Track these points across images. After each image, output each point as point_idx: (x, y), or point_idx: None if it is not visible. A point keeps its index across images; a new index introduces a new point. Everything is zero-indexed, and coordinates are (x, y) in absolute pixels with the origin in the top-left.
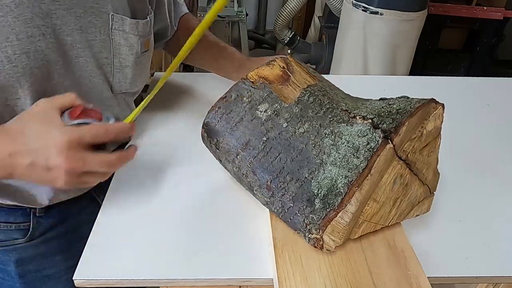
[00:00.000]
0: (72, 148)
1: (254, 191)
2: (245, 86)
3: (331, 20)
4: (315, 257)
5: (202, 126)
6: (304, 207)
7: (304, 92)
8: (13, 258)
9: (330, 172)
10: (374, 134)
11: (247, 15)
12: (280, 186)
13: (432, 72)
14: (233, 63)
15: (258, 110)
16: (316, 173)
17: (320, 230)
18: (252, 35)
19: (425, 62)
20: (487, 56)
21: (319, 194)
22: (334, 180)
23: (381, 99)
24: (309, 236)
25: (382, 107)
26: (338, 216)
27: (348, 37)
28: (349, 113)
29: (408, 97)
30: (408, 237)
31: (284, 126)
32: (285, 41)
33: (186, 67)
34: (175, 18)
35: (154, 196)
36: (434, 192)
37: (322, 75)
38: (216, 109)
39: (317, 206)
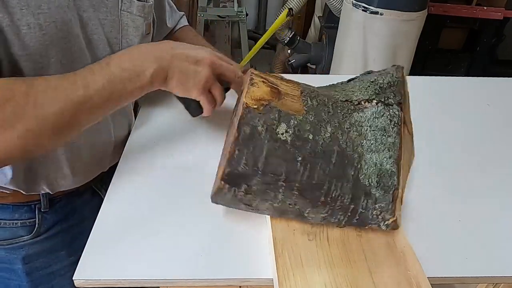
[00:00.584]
0: (212, 70)
1: (306, 214)
2: (252, 115)
3: (331, 20)
4: (315, 257)
5: (222, 180)
6: (366, 202)
7: (304, 98)
8: (20, 256)
9: (371, 160)
10: (392, 110)
11: (247, 15)
12: (335, 195)
13: (432, 72)
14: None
15: (278, 134)
16: (359, 167)
17: (394, 212)
18: (252, 35)
19: (425, 62)
20: (487, 56)
21: (372, 183)
22: (379, 165)
23: (349, 80)
24: (386, 223)
25: (370, 86)
26: (399, 193)
27: (348, 37)
28: (351, 101)
29: (372, 71)
30: (408, 237)
31: (311, 138)
32: (285, 41)
33: None
34: (168, 21)
35: (154, 197)
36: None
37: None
38: (236, 153)
39: (377, 195)
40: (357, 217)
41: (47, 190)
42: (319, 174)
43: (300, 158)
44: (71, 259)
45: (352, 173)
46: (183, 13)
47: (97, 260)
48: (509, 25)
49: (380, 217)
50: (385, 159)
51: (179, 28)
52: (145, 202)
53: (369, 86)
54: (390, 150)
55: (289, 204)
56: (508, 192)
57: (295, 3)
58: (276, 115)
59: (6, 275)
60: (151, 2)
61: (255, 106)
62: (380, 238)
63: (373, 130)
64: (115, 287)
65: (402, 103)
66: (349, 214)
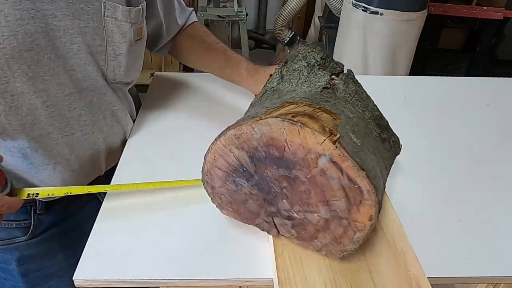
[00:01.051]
0: None
1: None
2: (346, 144)
3: (331, 20)
4: (315, 257)
5: None
6: (383, 148)
7: (319, 106)
8: (15, 257)
9: (369, 118)
10: (347, 75)
11: (247, 15)
12: (384, 158)
13: (432, 72)
14: (239, 71)
15: (357, 144)
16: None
17: None
18: (252, 35)
19: (425, 62)
20: (487, 56)
21: (379, 132)
22: (373, 117)
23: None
24: None
25: (312, 70)
26: None
27: (348, 37)
28: (325, 88)
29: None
30: (408, 237)
31: (363, 129)
32: (285, 41)
33: (186, 67)
34: (178, 19)
35: (154, 197)
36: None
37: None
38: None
39: (387, 137)
40: (391, 161)
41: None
42: (374, 151)
43: (370, 150)
44: (69, 261)
45: (374, 135)
46: (192, 9)
47: (97, 260)
48: (509, 25)
49: (396, 148)
50: (372, 110)
51: (190, 24)
52: (145, 202)
53: (312, 71)
54: (370, 101)
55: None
56: (508, 192)
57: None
58: (342, 130)
59: (2, 275)
60: (140, 7)
61: (337, 136)
62: (380, 238)
63: (353, 96)
64: (115, 287)
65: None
66: (390, 162)
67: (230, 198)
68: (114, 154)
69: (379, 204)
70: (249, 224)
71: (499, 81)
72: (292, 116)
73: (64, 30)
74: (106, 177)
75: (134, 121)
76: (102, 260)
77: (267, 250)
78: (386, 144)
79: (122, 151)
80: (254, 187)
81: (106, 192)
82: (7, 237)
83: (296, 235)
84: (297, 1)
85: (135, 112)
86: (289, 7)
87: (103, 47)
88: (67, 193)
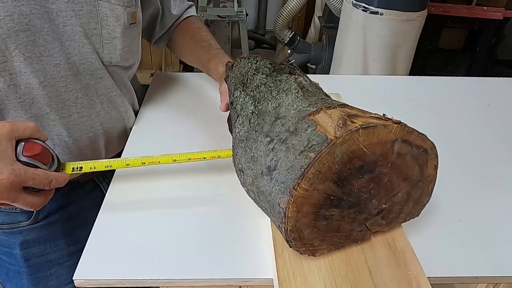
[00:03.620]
0: (12, 189)
1: None
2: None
3: (331, 20)
4: (315, 257)
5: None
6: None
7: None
8: (18, 241)
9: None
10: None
11: (247, 15)
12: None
13: (432, 72)
14: (216, 75)
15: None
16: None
17: None
18: (252, 35)
19: (425, 62)
20: (487, 56)
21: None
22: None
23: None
24: None
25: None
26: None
27: (348, 37)
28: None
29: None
30: (408, 237)
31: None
32: (285, 41)
33: (186, 67)
34: (173, 9)
35: (155, 196)
36: None
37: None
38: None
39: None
40: None
41: None
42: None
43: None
44: (70, 249)
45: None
46: (191, 3)
47: (97, 260)
48: (509, 25)
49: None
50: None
51: (186, 17)
52: (145, 202)
53: (273, 79)
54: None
55: None
56: (508, 192)
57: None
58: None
59: (7, 260)
60: None
61: (388, 119)
62: (380, 238)
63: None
64: (115, 287)
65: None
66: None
67: (322, 236)
68: (114, 142)
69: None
70: (345, 246)
71: (499, 81)
72: (352, 122)
73: (58, 12)
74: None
75: (137, 112)
76: (102, 260)
77: (267, 250)
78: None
79: (122, 142)
80: (345, 209)
81: (107, 182)
82: (12, 221)
83: (385, 223)
84: (297, 1)
85: (137, 102)
86: (289, 7)
87: (98, 30)
88: (108, 166)
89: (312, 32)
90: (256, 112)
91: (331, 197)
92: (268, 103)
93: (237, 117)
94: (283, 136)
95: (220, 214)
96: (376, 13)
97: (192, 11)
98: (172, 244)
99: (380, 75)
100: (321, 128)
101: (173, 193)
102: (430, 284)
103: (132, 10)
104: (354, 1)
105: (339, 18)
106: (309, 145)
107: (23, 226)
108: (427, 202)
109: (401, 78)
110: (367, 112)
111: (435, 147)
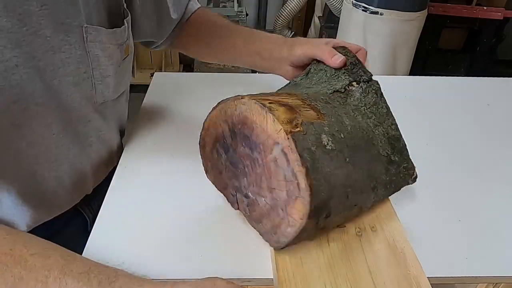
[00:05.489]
0: None
1: (365, 209)
2: (300, 138)
3: (331, 20)
4: (315, 257)
5: (308, 218)
6: (393, 169)
7: (311, 103)
8: None
9: (379, 133)
10: (373, 85)
11: (247, 15)
12: (377, 177)
13: (432, 72)
14: (278, 48)
15: (326, 146)
16: (376, 143)
17: (413, 165)
18: None
19: (425, 62)
20: (487, 56)
21: (389, 152)
22: (387, 134)
23: (302, 78)
24: (412, 178)
25: (337, 72)
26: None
27: (348, 37)
28: (337, 91)
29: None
30: (408, 237)
31: (343, 137)
32: None
33: (186, 67)
34: (172, 13)
35: (154, 196)
36: None
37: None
38: (315, 184)
39: (397, 159)
40: (393, 186)
41: (25, 229)
42: (362, 165)
43: (347, 159)
44: None
45: (375, 152)
46: None
47: (97, 260)
48: (509, 25)
49: (407, 175)
50: (388, 127)
51: (192, 14)
52: (145, 202)
53: (335, 73)
54: (389, 118)
55: (355, 204)
56: (508, 192)
57: (295, 3)
58: (313, 129)
59: None
60: (125, 24)
61: (296, 129)
62: (380, 238)
63: (369, 108)
64: None
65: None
66: (388, 186)
67: (213, 164)
68: (102, 173)
69: (311, 207)
70: (222, 193)
71: (499, 81)
72: (269, 103)
73: (45, 67)
74: (93, 194)
75: (125, 125)
76: (102, 260)
77: (267, 250)
78: (393, 167)
79: (110, 166)
80: (228, 160)
81: (89, 207)
82: None
83: (248, 214)
84: (297, 1)
85: (125, 121)
86: (289, 7)
87: (88, 73)
88: None
89: (312, 32)
90: (296, 83)
91: (224, 140)
92: (307, 82)
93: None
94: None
95: (220, 214)
96: (376, 13)
97: (195, 4)
98: (172, 244)
99: (380, 75)
100: (261, 97)
101: (173, 193)
102: (430, 284)
103: (125, 44)
104: (354, 1)
105: (339, 18)
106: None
107: None
108: (283, 243)
109: (401, 78)
110: (319, 119)
111: (309, 194)
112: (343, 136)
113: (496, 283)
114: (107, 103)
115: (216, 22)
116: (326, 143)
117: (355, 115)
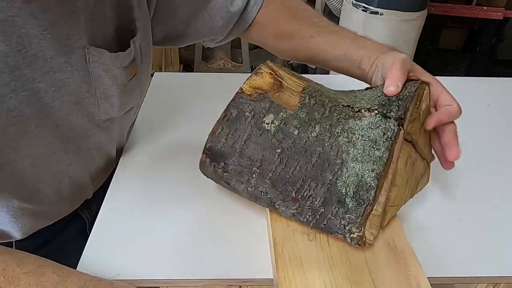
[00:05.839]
0: None
1: (277, 206)
2: (243, 100)
3: (331, 20)
4: (315, 257)
5: (203, 152)
6: (337, 209)
7: (303, 95)
8: None
9: (354, 169)
10: (388, 123)
11: None
12: (306, 195)
13: (432, 72)
14: (375, 46)
15: (264, 123)
16: (339, 173)
17: (362, 228)
18: None
19: (425, 62)
20: (487, 56)
21: (349, 193)
22: (360, 176)
23: (366, 88)
24: (351, 236)
25: (379, 96)
26: (374, 209)
27: None
28: (352, 108)
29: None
30: (408, 237)
31: (296, 134)
32: None
33: (186, 67)
34: (231, 6)
35: (154, 196)
36: (430, 164)
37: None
38: (219, 131)
39: (350, 205)
40: (325, 222)
41: (22, 237)
42: (295, 170)
43: (279, 150)
44: None
45: (330, 178)
46: None
47: (97, 260)
48: (509, 25)
49: (347, 228)
50: (367, 171)
51: (259, 8)
52: (145, 202)
53: (379, 96)
54: (375, 163)
55: (261, 191)
56: (508, 192)
57: None
58: (267, 105)
59: None
60: (132, 47)
61: (249, 93)
62: (380, 238)
63: (364, 140)
64: None
65: (405, 119)
66: (318, 217)
67: None
68: (101, 177)
69: (206, 145)
70: None
71: (499, 81)
72: (274, 72)
73: (46, 89)
74: (92, 198)
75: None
76: (102, 260)
77: (267, 250)
78: (337, 205)
79: (108, 170)
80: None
81: (89, 210)
82: None
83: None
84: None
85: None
86: None
87: (91, 92)
88: None
89: None
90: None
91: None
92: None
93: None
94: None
95: (220, 214)
96: (376, 13)
97: None
98: (172, 244)
99: None
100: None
101: (173, 193)
102: (430, 284)
103: (131, 66)
104: (354, 1)
105: (339, 18)
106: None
107: None
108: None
109: None
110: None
111: (212, 134)
112: (295, 134)
113: (496, 283)
114: (113, 119)
115: (299, 11)
116: (268, 122)
117: (340, 134)
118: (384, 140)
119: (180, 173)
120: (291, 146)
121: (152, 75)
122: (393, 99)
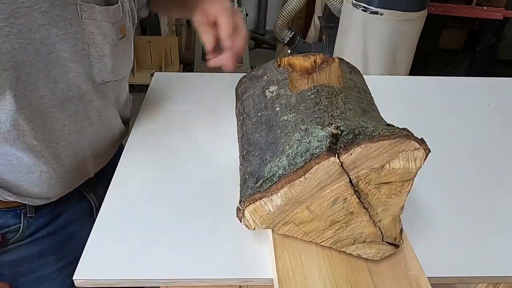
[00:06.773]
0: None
1: (240, 155)
2: (271, 66)
3: (331, 20)
4: (315, 257)
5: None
6: (253, 183)
7: (311, 88)
8: (6, 261)
9: (281, 162)
10: (325, 142)
11: (247, 15)
12: (248, 159)
13: (432, 72)
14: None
15: (268, 89)
16: (274, 158)
17: (243, 203)
18: (252, 35)
19: (425, 62)
20: (487, 56)
21: (265, 176)
22: (277, 169)
23: (387, 125)
24: (237, 205)
25: (365, 127)
26: (262, 200)
27: (348, 37)
28: (334, 119)
29: (404, 129)
30: (408, 237)
31: (276, 110)
32: (285, 41)
33: (186, 67)
34: None
35: (154, 196)
36: (396, 247)
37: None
38: (244, 79)
39: (256, 185)
40: (243, 188)
41: (38, 202)
42: (256, 134)
43: (259, 114)
44: (60, 264)
45: (267, 158)
46: None
47: (97, 260)
48: (509, 25)
49: (241, 198)
50: (281, 169)
51: None
52: (145, 202)
53: (365, 127)
54: (290, 167)
55: (241, 136)
56: (508, 192)
57: (295, 3)
58: (281, 78)
59: None
60: (119, 4)
61: (279, 63)
62: None
63: (303, 146)
64: (115, 287)
65: (344, 149)
66: (243, 182)
67: None
68: (103, 156)
69: None
70: None
71: (499, 81)
72: (313, 56)
73: (42, 41)
74: (96, 178)
75: (129, 118)
76: (103, 260)
77: (267, 250)
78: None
79: (111, 152)
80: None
81: (94, 193)
82: None
83: None
84: (297, 1)
85: (128, 109)
86: (289, 7)
87: (85, 50)
88: None
89: (312, 32)
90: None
91: None
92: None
93: None
94: None
95: (220, 214)
96: (376, 13)
97: None
98: (172, 244)
99: (380, 75)
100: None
101: (173, 193)
102: (430, 284)
103: (120, 24)
104: (354, 1)
105: (339, 18)
106: None
107: (10, 245)
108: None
109: (401, 78)
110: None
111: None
112: (276, 110)
113: (496, 283)
114: (107, 84)
115: None
116: (271, 90)
117: (299, 129)
118: (309, 153)
119: (180, 173)
120: (267, 116)
121: (152, 75)
122: (364, 132)
